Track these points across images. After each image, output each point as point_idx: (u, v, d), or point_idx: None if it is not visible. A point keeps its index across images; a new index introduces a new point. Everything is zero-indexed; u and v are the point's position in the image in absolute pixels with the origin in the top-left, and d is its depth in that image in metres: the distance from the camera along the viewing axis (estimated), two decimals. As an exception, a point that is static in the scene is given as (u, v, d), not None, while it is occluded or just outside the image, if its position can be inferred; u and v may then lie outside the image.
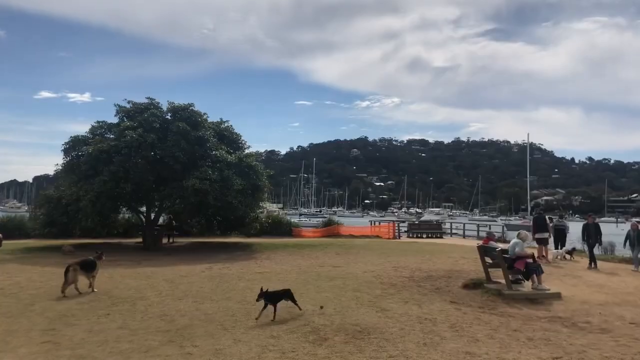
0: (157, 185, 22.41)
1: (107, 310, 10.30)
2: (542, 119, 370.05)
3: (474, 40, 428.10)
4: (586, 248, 19.84)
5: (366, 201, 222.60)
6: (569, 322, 9.80)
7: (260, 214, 27.49)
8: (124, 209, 25.80)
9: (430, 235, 35.92)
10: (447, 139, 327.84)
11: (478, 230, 36.19)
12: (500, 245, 14.51)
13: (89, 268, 12.74)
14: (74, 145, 22.79)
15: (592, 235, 19.00)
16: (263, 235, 31.41)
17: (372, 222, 43.94)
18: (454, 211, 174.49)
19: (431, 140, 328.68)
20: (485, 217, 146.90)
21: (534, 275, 12.79)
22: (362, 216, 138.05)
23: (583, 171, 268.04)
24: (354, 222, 55.81)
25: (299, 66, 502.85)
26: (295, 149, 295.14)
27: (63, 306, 10.64)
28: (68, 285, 12.07)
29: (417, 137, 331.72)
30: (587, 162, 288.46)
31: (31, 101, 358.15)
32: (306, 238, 32.42)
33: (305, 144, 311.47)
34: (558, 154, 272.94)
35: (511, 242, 13.70)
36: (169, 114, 23.70)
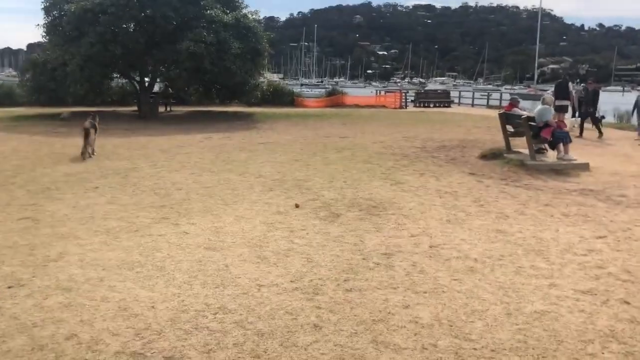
0: (149, 49, 20.66)
1: (95, 183, 9.38)
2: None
3: None
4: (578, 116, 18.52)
5: (369, 71, 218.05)
6: (602, 196, 8.87)
7: (261, 82, 25.91)
8: (116, 75, 24.20)
9: (437, 105, 34.63)
10: (454, 4, 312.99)
11: (488, 99, 34.79)
12: (525, 113, 13.30)
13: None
14: (54, 3, 20.67)
15: (589, 102, 17.61)
16: (264, 104, 30.09)
17: (378, 91, 42.31)
18: (458, 81, 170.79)
19: (438, 5, 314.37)
20: (490, 87, 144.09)
21: (561, 145, 11.72)
22: (365, 86, 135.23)
23: (592, 38, 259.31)
24: (357, 92, 54.08)
25: None
26: (295, 15, 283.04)
27: (48, 178, 9.71)
28: (90, 147, 12.27)
29: (423, 2, 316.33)
30: (597, 28, 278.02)
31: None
32: (309, 108, 31.14)
33: (305, 10, 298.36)
34: (568, 21, 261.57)
35: (538, 109, 12.44)
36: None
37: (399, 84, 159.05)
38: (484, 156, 12.79)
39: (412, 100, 35.11)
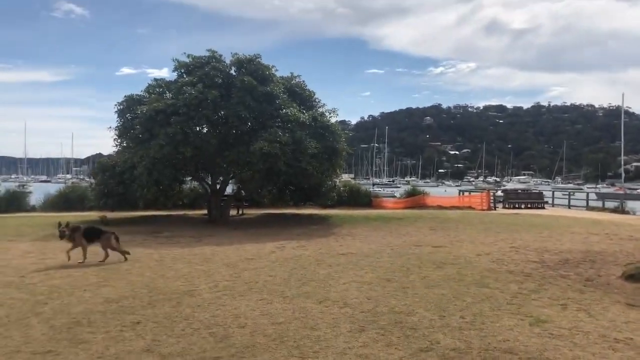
0: (222, 150, 19.49)
1: (139, 315, 7.31)
2: (631, 81, 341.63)
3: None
4: None
5: (440, 170, 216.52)
6: None
7: (338, 183, 24.12)
8: (188, 178, 23.19)
9: (529, 206, 31.44)
10: (526, 105, 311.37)
11: (587, 201, 31.24)
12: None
13: (92, 235, 11.80)
14: (128, 106, 20.22)
15: None
16: (340, 206, 28.15)
17: (462, 191, 39.62)
18: (535, 179, 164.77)
19: (509, 105, 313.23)
20: (570, 185, 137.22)
21: None
22: (437, 185, 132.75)
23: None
24: (433, 191, 51.58)
25: (370, 33, 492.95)
26: (366, 118, 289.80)
27: (82, 307, 7.75)
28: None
29: (494, 103, 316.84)
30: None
31: (113, 77, 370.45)
32: (388, 210, 28.88)
33: (376, 113, 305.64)
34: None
35: None
36: (233, 68, 20.60)
37: (473, 183, 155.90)
38: (631, 276, 9.88)
39: (500, 201, 32.11)
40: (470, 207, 30.13)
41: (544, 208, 31.36)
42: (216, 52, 20.78)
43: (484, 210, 29.02)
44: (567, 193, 35.22)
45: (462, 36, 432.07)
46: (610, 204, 29.50)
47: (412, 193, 32.54)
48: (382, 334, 6.37)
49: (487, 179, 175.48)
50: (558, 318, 7.06)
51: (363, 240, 15.56)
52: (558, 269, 10.87)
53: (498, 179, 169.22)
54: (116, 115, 20.39)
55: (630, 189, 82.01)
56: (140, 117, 18.92)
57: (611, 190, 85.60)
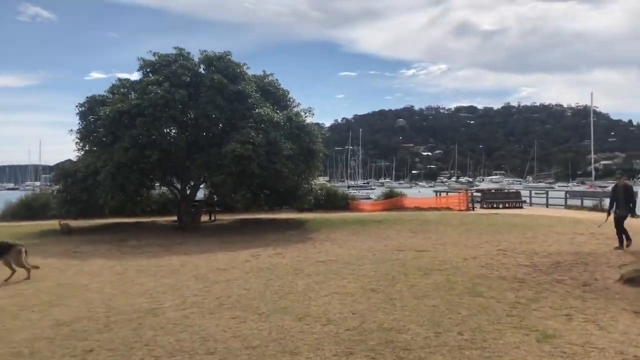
0: (191, 153, 18.45)
1: (92, 340, 6.34)
2: (597, 81, 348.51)
3: (523, 2, 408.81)
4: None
5: (414, 171, 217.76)
6: None
7: (314, 185, 23.25)
8: (156, 183, 22.05)
9: (507, 206, 31.09)
10: (496, 105, 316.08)
11: (566, 199, 31.01)
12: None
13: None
14: (90, 107, 19.01)
15: (620, 203, 13.23)
16: (316, 209, 27.33)
17: (438, 192, 39.15)
18: (507, 179, 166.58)
19: (480, 106, 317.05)
20: (542, 184, 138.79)
21: None
22: (411, 187, 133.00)
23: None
24: (407, 193, 51.06)
25: (343, 36, 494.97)
26: (339, 120, 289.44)
27: (27, 333, 6.73)
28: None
29: (465, 104, 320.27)
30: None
31: (83, 82, 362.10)
32: (366, 212, 28.15)
33: (349, 116, 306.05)
34: (614, 117, 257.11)
35: None
36: (202, 66, 19.55)
37: (446, 184, 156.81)
38: (631, 280, 9.28)
39: (478, 201, 31.67)
40: (448, 208, 29.63)
41: (522, 207, 31.02)
42: (184, 49, 19.72)
43: (462, 210, 28.52)
44: (545, 192, 34.96)
45: (432, 38, 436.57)
46: (588, 202, 29.27)
47: (390, 195, 31.88)
48: (373, 357, 5.57)
49: (459, 180, 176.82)
50: (566, 332, 6.33)
51: (342, 246, 14.73)
52: (551, 272, 10.22)
53: (471, 179, 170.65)
54: (78, 117, 19.17)
55: (600, 186, 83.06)
56: (103, 119, 17.75)
57: (582, 188, 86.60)
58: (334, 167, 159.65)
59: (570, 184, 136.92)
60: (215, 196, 23.95)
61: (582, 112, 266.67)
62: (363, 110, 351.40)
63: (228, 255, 13.35)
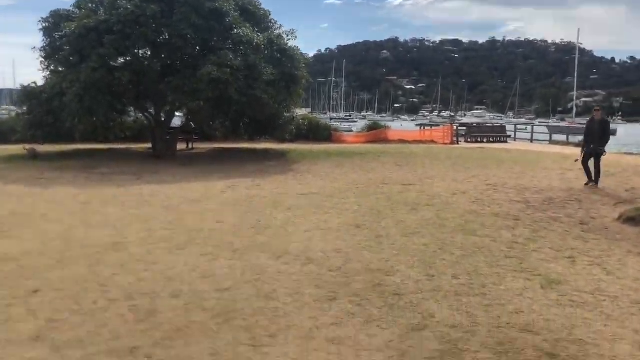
0: (165, 76, 17.19)
1: (40, 279, 5.59)
2: (583, 17, 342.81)
3: None
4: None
5: (396, 105, 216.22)
6: None
7: (296, 115, 22.20)
8: (130, 108, 20.80)
9: (492, 140, 30.50)
10: (481, 39, 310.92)
11: (551, 134, 30.52)
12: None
13: None
14: (55, 23, 17.45)
15: (595, 137, 12.36)
16: (298, 140, 26.37)
17: (422, 125, 38.37)
18: (489, 114, 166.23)
19: (465, 40, 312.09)
20: (523, 120, 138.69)
21: None
22: (393, 120, 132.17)
23: (624, 72, 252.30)
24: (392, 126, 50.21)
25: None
26: (323, 51, 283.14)
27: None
28: None
29: (451, 37, 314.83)
30: (629, 61, 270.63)
31: (59, 1, 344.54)
32: (349, 144, 27.34)
33: (333, 46, 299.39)
34: (598, 54, 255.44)
35: None
36: (177, -19, 17.91)
37: (428, 118, 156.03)
38: (631, 220, 8.73)
39: (462, 135, 31.01)
40: (432, 141, 28.93)
41: (506, 142, 30.47)
42: (157, -40, 17.95)
43: (446, 144, 27.87)
44: (530, 127, 34.41)
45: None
46: (574, 139, 28.79)
47: (373, 127, 30.98)
48: (359, 304, 4.91)
49: (441, 114, 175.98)
50: (572, 277, 5.74)
51: (325, 178, 13.99)
52: (545, 210, 9.63)
53: (452, 114, 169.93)
54: (41, 33, 17.62)
55: (580, 123, 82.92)
56: (68, 36, 16.30)
57: (563, 124, 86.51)
58: (316, 98, 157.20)
59: (550, 120, 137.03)
60: (192, 124, 22.82)
61: (566, 49, 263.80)
62: (347, 41, 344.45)
63: (203, 185, 12.55)
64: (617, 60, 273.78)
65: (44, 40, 17.58)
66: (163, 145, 19.32)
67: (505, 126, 33.27)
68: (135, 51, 16.92)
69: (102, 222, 8.40)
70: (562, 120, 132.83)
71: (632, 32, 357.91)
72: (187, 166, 17.05)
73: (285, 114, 19.84)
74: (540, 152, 22.96)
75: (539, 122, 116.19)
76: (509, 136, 31.88)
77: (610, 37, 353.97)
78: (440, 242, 7.16)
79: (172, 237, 7.39)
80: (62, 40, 17.05)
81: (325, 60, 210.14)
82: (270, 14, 19.94)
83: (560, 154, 21.86)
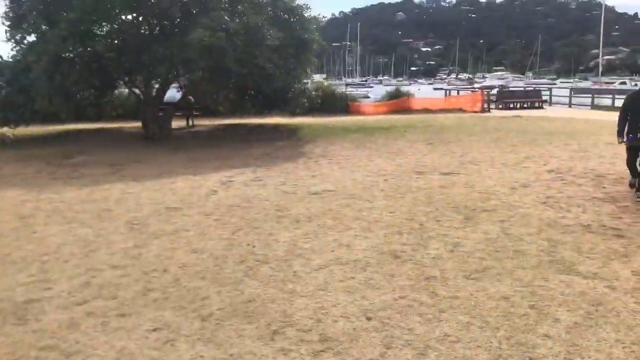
0: (151, 44, 14.53)
1: None
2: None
3: None
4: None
5: (412, 68, 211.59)
6: None
7: (307, 86, 19.40)
8: (120, 82, 18.22)
9: (526, 106, 27.54)
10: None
11: (593, 99, 27.37)
12: None
13: None
14: (20, -15, 14.84)
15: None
16: (312, 112, 23.68)
17: (448, 91, 35.28)
18: (507, 75, 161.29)
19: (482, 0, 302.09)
20: (544, 80, 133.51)
21: None
22: (410, 84, 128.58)
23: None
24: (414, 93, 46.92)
25: None
26: (337, 14, 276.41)
27: None
28: None
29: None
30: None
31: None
32: (368, 115, 24.59)
33: (347, 10, 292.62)
34: (620, 10, 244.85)
35: None
36: None
37: (446, 81, 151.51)
38: None
39: (494, 101, 28.04)
40: (460, 109, 26.07)
41: (542, 108, 27.51)
42: None
43: (476, 112, 25.01)
44: (569, 90, 31.20)
45: None
46: (621, 103, 25.63)
47: (396, 95, 28.05)
48: None
49: (459, 76, 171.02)
50: None
51: (343, 166, 11.35)
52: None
53: (471, 76, 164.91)
54: (5, -2, 15.00)
55: (606, 83, 78.58)
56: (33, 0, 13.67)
57: (588, 84, 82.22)
58: (330, 64, 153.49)
59: (572, 80, 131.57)
60: (191, 98, 20.22)
61: (588, 5, 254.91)
62: (362, 3, 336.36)
63: (191, 181, 10.00)
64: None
65: (7, 5, 14.95)
66: (155, 125, 16.78)
67: (540, 90, 30.09)
68: (113, 14, 14.19)
69: (30, 255, 5.92)
70: (585, 79, 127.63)
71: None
72: (180, 150, 14.52)
73: (295, 86, 17.07)
74: (587, 120, 20.08)
75: (560, 82, 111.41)
76: (545, 101, 28.84)
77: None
78: (529, 292, 4.55)
79: (117, 289, 4.89)
80: (27, 4, 14.39)
81: (339, 25, 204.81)
82: (273, -32, 16.99)
83: (611, 121, 18.91)
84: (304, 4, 15.97)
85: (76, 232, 6.77)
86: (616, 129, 8.21)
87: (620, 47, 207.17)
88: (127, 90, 20.24)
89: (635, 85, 73.50)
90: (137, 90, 17.43)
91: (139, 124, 20.49)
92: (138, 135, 17.81)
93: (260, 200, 8.24)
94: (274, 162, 12.06)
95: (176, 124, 20.54)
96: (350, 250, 5.79)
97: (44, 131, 18.52)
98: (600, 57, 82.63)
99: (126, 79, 16.78)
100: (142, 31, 14.77)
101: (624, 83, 76.63)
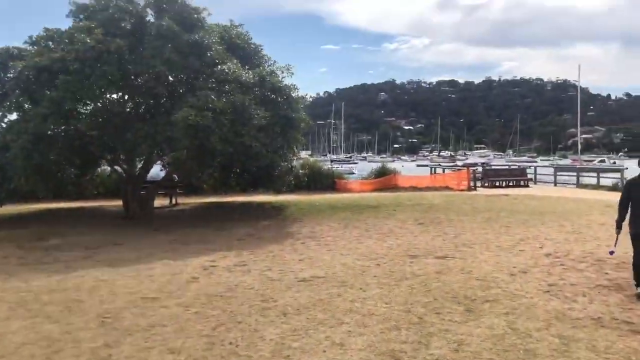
0: (134, 122, 14.29)
1: None
2: (578, 55, 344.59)
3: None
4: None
5: (395, 145, 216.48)
6: None
7: (295, 163, 19.18)
8: (101, 161, 17.83)
9: (511, 184, 27.58)
10: (477, 79, 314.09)
11: (578, 177, 27.52)
12: None
13: None
14: (3, 63, 14.67)
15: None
16: (298, 190, 23.39)
17: (433, 168, 35.46)
18: (489, 153, 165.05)
19: (461, 80, 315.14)
20: (524, 158, 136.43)
21: None
22: (393, 161, 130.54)
23: (620, 108, 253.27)
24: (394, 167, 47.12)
25: (327, 9, 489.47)
26: (322, 94, 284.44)
27: None
28: None
29: (447, 78, 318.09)
30: (625, 97, 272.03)
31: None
32: (355, 193, 24.33)
33: (332, 90, 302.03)
34: (593, 91, 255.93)
35: None
36: (150, 11, 15.18)
37: (429, 158, 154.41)
38: None
39: (480, 179, 28.06)
40: (447, 187, 25.95)
41: (528, 186, 27.53)
42: (128, -9, 15.31)
43: (463, 191, 24.87)
44: (553, 168, 31.48)
45: (416, 12, 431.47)
46: (606, 182, 25.80)
47: (382, 172, 28.00)
48: None
49: (441, 153, 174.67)
50: None
51: (332, 248, 10.84)
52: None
53: (452, 153, 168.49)
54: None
55: (585, 161, 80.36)
56: (16, 78, 13.48)
57: (568, 162, 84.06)
58: (316, 141, 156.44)
59: (552, 158, 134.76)
60: (175, 176, 19.84)
61: (562, 86, 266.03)
62: (346, 84, 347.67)
63: (170, 267, 9.38)
64: (612, 97, 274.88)
65: (-9, 82, 14.78)
66: (136, 204, 16.27)
67: (525, 169, 30.27)
68: (98, 93, 14.01)
69: (-15, 357, 5.25)
70: (565, 157, 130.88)
71: (626, 68, 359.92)
72: (161, 231, 13.94)
73: (282, 164, 16.82)
74: (575, 199, 19.93)
75: (541, 160, 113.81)
76: (530, 179, 28.96)
77: (605, 74, 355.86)
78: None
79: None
80: (10, 83, 14.20)
81: (324, 103, 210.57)
82: (262, 49, 17.22)
83: (602, 201, 18.86)
84: (292, 85, 16.02)
85: (40, 328, 6.11)
86: (615, 216, 7.75)
87: (596, 127, 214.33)
88: (109, 167, 19.90)
89: (614, 162, 75.51)
90: (119, 168, 17.01)
91: (120, 202, 20.01)
92: (118, 214, 17.23)
93: (244, 289, 7.66)
94: (258, 244, 11.52)
95: (159, 202, 20.07)
96: (344, 350, 5.22)
97: (19, 210, 17.89)
98: (578, 135, 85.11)
99: (109, 156, 16.40)
100: (128, 110, 14.57)
101: (603, 161, 78.60)
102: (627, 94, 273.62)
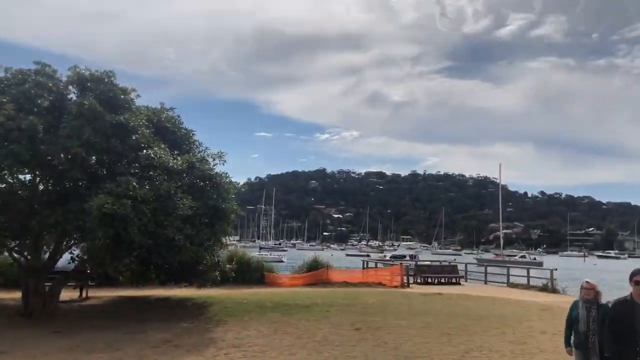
0: (44, 207, 12.72)
1: None
2: (496, 154, 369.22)
3: (431, 77, 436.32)
4: None
5: (325, 233, 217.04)
6: None
7: (221, 256, 17.80)
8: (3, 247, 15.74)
9: (443, 281, 27.27)
10: (403, 172, 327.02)
11: (508, 276, 27.53)
12: None
13: None
14: None
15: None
16: (224, 284, 21.76)
17: (365, 262, 34.72)
18: (417, 245, 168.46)
19: (388, 172, 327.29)
20: (449, 251, 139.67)
21: None
22: (322, 249, 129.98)
23: (536, 205, 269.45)
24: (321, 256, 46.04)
25: (262, 98, 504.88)
26: (253, 179, 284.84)
27: None
28: None
29: (375, 169, 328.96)
30: (540, 196, 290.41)
31: None
32: (286, 287, 23.02)
33: (263, 175, 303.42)
34: (511, 188, 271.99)
35: None
36: (72, 88, 14.07)
37: (357, 247, 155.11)
38: None
39: (412, 275, 27.55)
40: (380, 283, 25.18)
41: (460, 284, 27.27)
42: (49, 65, 14.16)
43: (397, 287, 24.16)
44: (484, 266, 31.55)
45: (347, 106, 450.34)
46: (536, 282, 25.88)
47: (314, 266, 26.92)
48: None
49: (369, 243, 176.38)
50: None
51: (260, 361, 9.52)
52: None
53: (380, 244, 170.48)
54: None
55: (508, 255, 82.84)
56: None
57: (491, 257, 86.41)
58: (245, 226, 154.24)
59: (475, 251, 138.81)
60: (87, 265, 17.87)
61: (483, 183, 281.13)
62: (277, 171, 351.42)
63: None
64: (529, 195, 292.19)
65: None
66: (39, 299, 14.24)
67: (457, 265, 30.13)
68: (2, 174, 12.44)
69: None
70: (487, 251, 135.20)
71: (539, 168, 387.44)
72: (63, 334, 12.02)
73: (207, 258, 15.46)
74: (509, 301, 19.57)
75: (464, 253, 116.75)
76: (462, 277, 28.79)
77: (522, 172, 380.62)
78: None
79: None
80: None
81: (255, 189, 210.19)
82: (193, 134, 16.29)
83: (536, 303, 18.62)
84: (223, 172, 15.06)
85: None
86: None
87: (515, 222, 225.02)
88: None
89: (534, 259, 78.08)
90: (21, 257, 15.01)
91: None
92: (17, 310, 15.03)
93: None
94: (175, 355, 9.98)
95: (68, 294, 17.94)
96: None
97: None
98: (501, 230, 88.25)
99: (11, 244, 14.46)
100: (40, 192, 13.02)
101: (524, 257, 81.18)
102: (542, 192, 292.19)
